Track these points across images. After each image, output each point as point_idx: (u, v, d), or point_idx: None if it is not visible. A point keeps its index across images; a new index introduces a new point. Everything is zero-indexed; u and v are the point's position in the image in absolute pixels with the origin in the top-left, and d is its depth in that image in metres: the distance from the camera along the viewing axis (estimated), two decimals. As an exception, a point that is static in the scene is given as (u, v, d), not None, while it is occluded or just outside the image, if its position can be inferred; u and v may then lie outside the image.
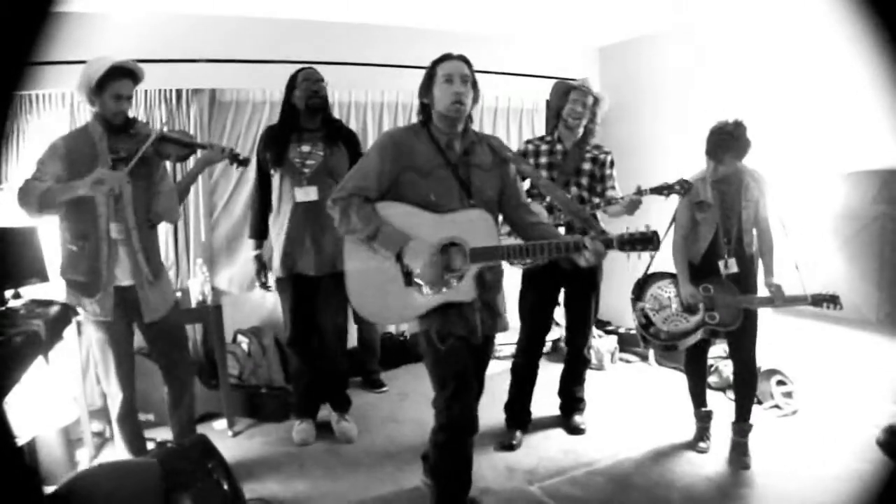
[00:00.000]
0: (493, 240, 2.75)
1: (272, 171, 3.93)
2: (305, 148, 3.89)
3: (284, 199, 3.92)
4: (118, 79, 3.07)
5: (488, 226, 2.76)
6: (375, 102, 5.54)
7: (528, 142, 4.16)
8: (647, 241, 2.64)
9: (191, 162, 4.02)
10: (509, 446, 4.04)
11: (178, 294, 4.08)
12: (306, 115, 3.91)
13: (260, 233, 4.14)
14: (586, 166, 3.95)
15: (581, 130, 3.96)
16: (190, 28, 4.73)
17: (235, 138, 5.01)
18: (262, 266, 4.19)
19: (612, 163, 3.99)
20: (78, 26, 4.12)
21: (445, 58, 2.82)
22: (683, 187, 3.55)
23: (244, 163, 3.71)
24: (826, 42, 4.09)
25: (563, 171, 3.94)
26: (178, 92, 4.84)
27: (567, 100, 3.93)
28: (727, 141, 3.51)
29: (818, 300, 3.48)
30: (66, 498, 1.35)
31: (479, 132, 3.00)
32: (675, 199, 3.74)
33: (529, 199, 3.87)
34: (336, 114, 5.28)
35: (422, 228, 2.72)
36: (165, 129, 3.55)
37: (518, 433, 4.14)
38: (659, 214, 3.71)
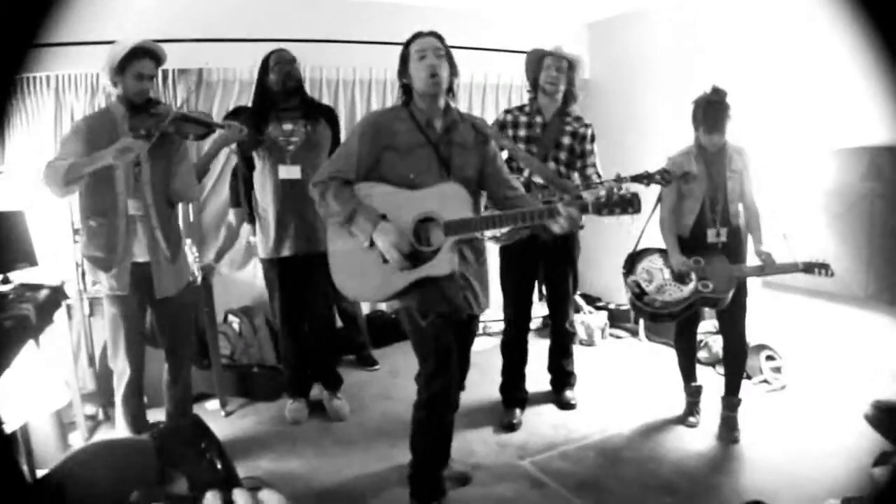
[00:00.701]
0: (468, 212, 2.75)
1: (253, 153, 3.93)
2: (287, 126, 3.90)
3: (268, 178, 3.92)
4: (140, 59, 3.12)
5: (461, 198, 2.75)
6: (363, 80, 5.51)
7: (506, 111, 4.09)
8: (627, 203, 2.42)
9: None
10: (510, 426, 4.03)
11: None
12: (282, 96, 3.89)
13: (237, 202, 4.27)
14: (566, 140, 3.92)
15: (560, 97, 3.91)
16: (176, 8, 4.69)
17: (223, 118, 4.97)
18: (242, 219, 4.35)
19: (592, 137, 3.96)
20: (63, 8, 4.08)
21: (417, 36, 2.86)
22: (664, 177, 3.56)
23: (260, 143, 3.73)
24: (816, 18, 4.08)
25: (541, 145, 3.90)
26: (164, 72, 4.80)
27: (542, 66, 3.89)
28: (720, 108, 3.55)
29: (810, 267, 3.50)
30: (57, 481, 1.34)
31: (465, 113, 3.04)
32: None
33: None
34: (322, 92, 5.27)
35: (400, 207, 2.76)
36: (184, 108, 3.56)
37: (517, 411, 4.15)
38: (644, 190, 3.72)
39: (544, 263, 4.17)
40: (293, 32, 4.77)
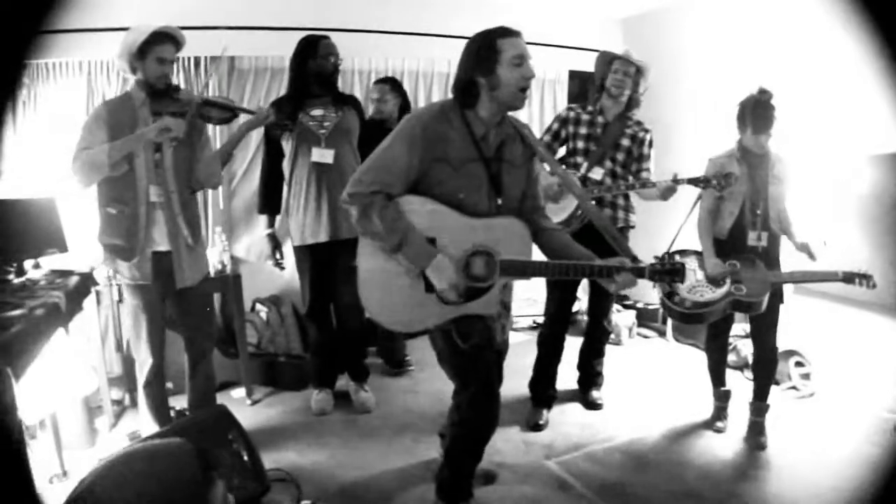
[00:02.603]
0: (527, 253, 2.58)
1: (284, 140, 3.93)
2: (318, 112, 3.89)
3: (299, 164, 3.91)
4: (161, 43, 3.10)
5: (524, 238, 2.59)
6: (395, 70, 5.47)
7: (569, 108, 4.11)
8: (675, 273, 2.50)
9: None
10: (536, 426, 4.01)
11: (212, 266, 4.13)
12: (318, 84, 3.89)
13: (272, 208, 4.14)
14: (625, 142, 3.92)
15: (624, 100, 3.91)
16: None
17: (254, 106, 4.97)
18: (277, 244, 4.20)
19: (650, 142, 3.95)
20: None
21: (510, 33, 2.47)
22: (720, 183, 3.51)
23: (285, 128, 3.71)
24: (853, 21, 3.99)
25: (600, 144, 3.91)
26: (196, 59, 4.81)
27: (610, 69, 3.89)
28: (767, 109, 3.51)
29: (850, 277, 3.42)
30: (95, 490, 1.33)
31: (515, 119, 2.70)
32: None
33: (563, 167, 3.91)
34: (356, 82, 5.25)
35: (450, 232, 2.51)
36: (206, 94, 3.55)
37: (545, 412, 4.13)
38: (686, 190, 3.69)
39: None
40: (324, 21, 4.76)
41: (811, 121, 4.39)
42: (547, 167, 3.16)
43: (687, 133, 5.20)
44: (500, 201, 2.61)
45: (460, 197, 2.52)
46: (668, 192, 3.66)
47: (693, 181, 3.58)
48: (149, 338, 3.31)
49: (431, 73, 5.51)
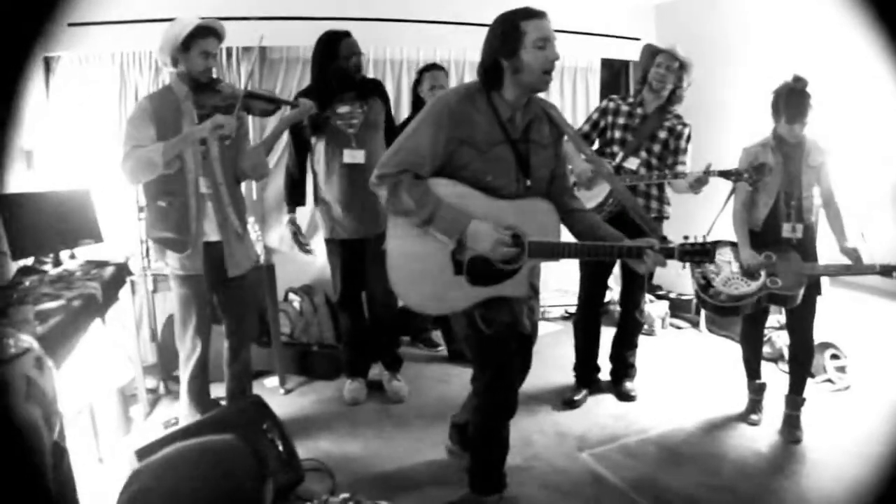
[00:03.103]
0: (556, 234, 2.57)
1: (313, 138, 3.93)
2: (344, 109, 3.88)
3: (331, 164, 3.91)
4: (204, 37, 3.10)
5: (553, 221, 2.58)
6: (427, 59, 5.43)
7: (610, 98, 4.11)
8: (705, 254, 2.48)
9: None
10: (571, 402, 4.13)
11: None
12: (343, 83, 3.87)
13: (296, 200, 4.17)
14: (662, 134, 3.91)
15: (666, 94, 3.89)
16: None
17: (287, 96, 4.97)
18: (298, 230, 4.22)
19: (688, 136, 3.93)
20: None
21: (534, 14, 2.42)
22: (752, 176, 3.48)
23: (326, 121, 3.71)
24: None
25: (637, 135, 3.91)
26: (228, 50, 4.82)
27: (653, 62, 3.88)
28: (802, 97, 3.45)
29: (888, 270, 3.36)
30: (150, 485, 1.33)
31: (542, 100, 2.68)
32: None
33: (595, 151, 3.93)
34: (384, 71, 5.24)
35: (479, 213, 2.49)
36: (250, 85, 3.55)
37: (584, 391, 4.23)
38: (721, 181, 3.64)
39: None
40: (356, 11, 4.75)
41: (847, 108, 4.30)
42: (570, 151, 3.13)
43: (723, 122, 5.11)
44: (528, 182, 2.60)
45: (488, 179, 2.52)
46: (698, 185, 3.63)
47: (724, 174, 3.55)
48: (197, 328, 3.36)
49: (463, 62, 5.47)
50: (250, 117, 4.11)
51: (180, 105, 3.17)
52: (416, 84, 4.47)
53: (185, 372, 3.45)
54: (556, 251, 2.56)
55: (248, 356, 3.67)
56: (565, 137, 2.78)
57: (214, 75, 3.29)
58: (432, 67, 4.52)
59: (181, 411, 3.55)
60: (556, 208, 2.63)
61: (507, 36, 2.43)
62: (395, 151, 2.52)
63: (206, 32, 3.11)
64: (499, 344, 2.68)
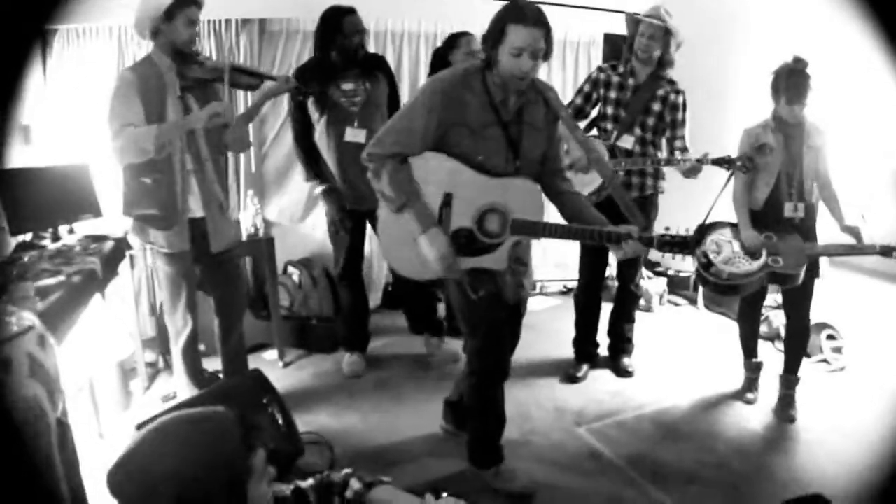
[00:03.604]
0: (539, 214, 2.62)
1: (312, 107, 3.88)
2: (348, 86, 3.84)
3: (332, 141, 3.88)
4: (187, 5, 3.00)
5: (535, 199, 2.63)
6: (429, 33, 5.39)
7: (600, 69, 4.05)
8: (684, 246, 2.52)
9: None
10: (573, 378, 4.18)
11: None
12: (345, 60, 3.82)
13: (316, 173, 4.06)
14: (655, 106, 3.86)
15: (655, 60, 3.84)
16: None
17: (286, 70, 4.92)
18: (338, 199, 4.04)
19: (684, 105, 3.86)
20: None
21: (519, 19, 2.40)
22: (746, 164, 3.47)
23: (306, 96, 3.65)
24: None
25: (629, 110, 3.87)
26: (227, 22, 4.77)
27: (637, 31, 3.82)
28: (801, 77, 3.43)
29: (888, 251, 3.35)
30: (138, 461, 1.34)
31: (539, 82, 2.69)
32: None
33: (593, 134, 3.97)
34: (388, 44, 5.19)
35: (467, 188, 2.59)
36: (231, 59, 3.50)
37: (585, 366, 4.27)
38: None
39: (622, 222, 4.10)
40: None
41: (848, 92, 4.28)
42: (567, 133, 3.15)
43: (726, 102, 5.10)
44: (518, 163, 2.66)
45: (479, 159, 2.59)
46: (691, 172, 3.65)
47: (717, 162, 3.54)
48: (187, 305, 3.34)
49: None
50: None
51: (163, 77, 3.06)
52: (447, 50, 4.16)
53: (176, 347, 3.43)
54: (537, 230, 2.63)
55: (239, 333, 3.63)
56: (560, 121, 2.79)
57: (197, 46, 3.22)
58: (461, 34, 4.22)
59: (177, 386, 3.56)
60: (543, 189, 2.72)
61: (493, 30, 2.47)
62: (387, 132, 2.61)
63: (189, 1, 3.01)
64: (488, 308, 2.77)
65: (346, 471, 1.82)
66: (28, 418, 1.51)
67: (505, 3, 2.51)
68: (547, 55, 2.50)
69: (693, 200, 3.70)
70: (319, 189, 4.05)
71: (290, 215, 5.19)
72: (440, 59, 3.98)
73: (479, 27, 2.88)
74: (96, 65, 4.51)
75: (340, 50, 3.77)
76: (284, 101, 4.90)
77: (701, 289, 5.56)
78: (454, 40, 4.11)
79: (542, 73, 5.64)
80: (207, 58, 3.29)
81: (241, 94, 4.71)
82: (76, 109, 4.38)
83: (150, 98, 3.01)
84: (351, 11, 3.79)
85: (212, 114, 3.02)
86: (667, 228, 2.58)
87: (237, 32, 4.79)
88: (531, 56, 2.43)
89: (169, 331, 3.46)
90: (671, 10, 3.86)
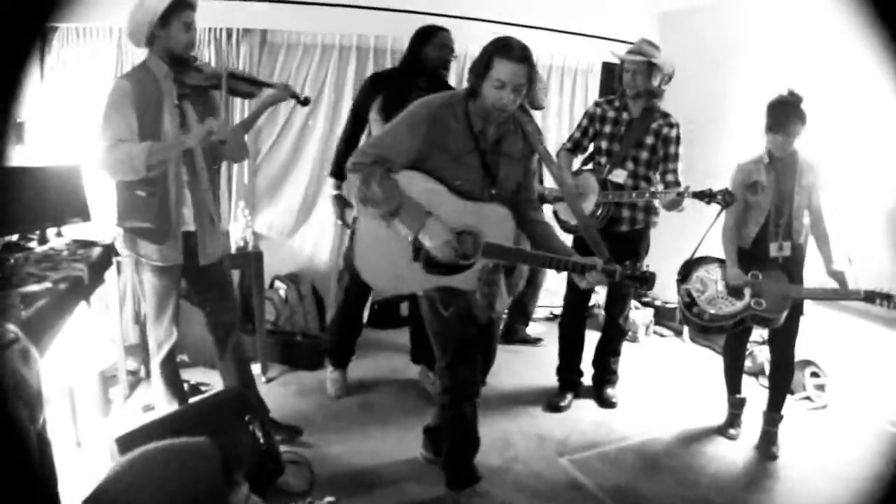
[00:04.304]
0: (509, 239, 2.73)
1: (373, 113, 3.88)
2: (419, 97, 3.84)
3: None
4: (183, 9, 2.93)
5: (509, 226, 2.73)
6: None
7: (597, 104, 4.12)
8: (644, 282, 2.66)
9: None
10: (556, 407, 4.16)
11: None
12: (426, 75, 3.87)
13: (341, 173, 3.94)
14: (648, 140, 3.89)
15: (644, 94, 3.87)
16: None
17: (285, 82, 4.92)
18: (346, 204, 4.03)
19: (677, 138, 3.88)
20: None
21: (505, 54, 2.51)
22: (726, 199, 3.47)
23: (305, 103, 3.54)
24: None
25: (623, 144, 3.91)
26: (229, 31, 4.76)
27: (623, 68, 3.89)
28: (793, 110, 3.44)
29: (871, 296, 3.36)
30: (115, 492, 1.32)
31: (520, 114, 2.81)
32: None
33: (589, 169, 4.03)
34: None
35: (443, 209, 2.64)
36: (231, 66, 3.43)
37: (569, 395, 4.26)
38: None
39: (612, 256, 4.11)
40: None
41: (847, 125, 4.31)
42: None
43: (724, 131, 5.12)
44: (494, 191, 2.76)
45: (457, 183, 2.68)
46: (672, 206, 3.65)
47: (698, 195, 3.54)
48: (172, 318, 3.27)
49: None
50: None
51: (160, 84, 2.99)
52: (419, 45, 3.96)
53: (156, 359, 3.33)
54: (508, 254, 2.74)
55: (238, 345, 3.52)
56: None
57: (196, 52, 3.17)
58: (440, 28, 4.09)
59: (155, 397, 3.45)
60: (515, 216, 2.79)
61: (479, 62, 2.58)
62: (372, 143, 2.72)
63: (184, 4, 2.93)
64: (458, 325, 2.85)
65: (329, 499, 1.80)
66: (9, 436, 1.48)
67: (496, 37, 2.61)
68: (528, 91, 2.62)
69: (686, 233, 3.73)
70: (335, 192, 4.05)
71: (280, 229, 5.16)
72: (411, 52, 3.95)
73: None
74: (94, 64, 4.49)
75: (435, 59, 3.85)
76: (281, 114, 4.93)
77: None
78: (427, 35, 3.98)
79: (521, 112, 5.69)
80: (206, 64, 3.22)
81: (237, 102, 4.70)
82: (72, 109, 4.34)
83: (145, 107, 2.94)
84: (444, 29, 3.91)
85: (207, 132, 2.94)
86: (629, 262, 2.69)
87: (238, 42, 4.78)
88: (513, 90, 2.54)
89: (150, 343, 3.37)
90: (668, 48, 3.90)
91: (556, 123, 5.88)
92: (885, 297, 3.34)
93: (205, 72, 3.11)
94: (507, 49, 2.52)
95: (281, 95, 3.33)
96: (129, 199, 3.06)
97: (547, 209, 3.77)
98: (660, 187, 3.87)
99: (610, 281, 2.67)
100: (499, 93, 2.53)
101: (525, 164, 2.86)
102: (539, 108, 4.26)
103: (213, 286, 3.39)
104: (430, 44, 3.85)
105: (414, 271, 2.72)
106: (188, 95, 3.08)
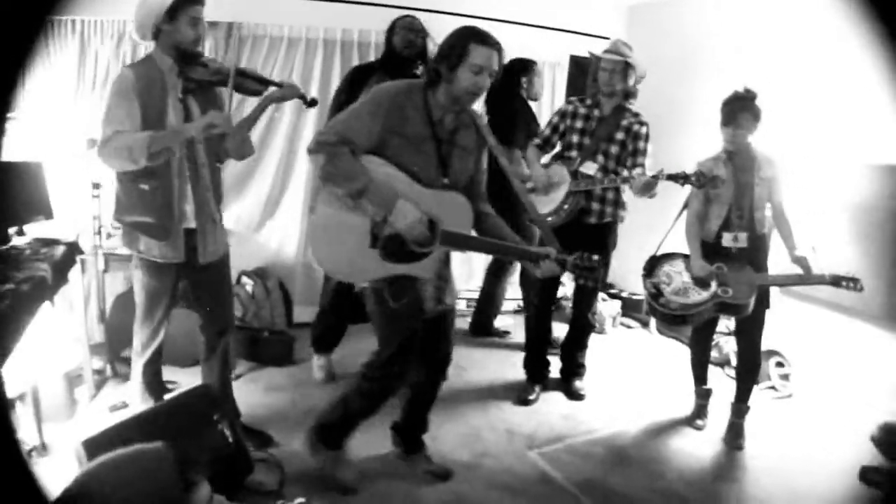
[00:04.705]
0: (467, 228, 2.80)
1: None
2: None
3: None
4: (190, 4, 2.87)
5: (466, 213, 2.78)
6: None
7: (568, 101, 4.19)
8: (591, 270, 2.72)
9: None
10: (525, 400, 4.20)
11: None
12: (406, 62, 3.92)
13: None
14: (619, 135, 3.94)
15: (619, 93, 3.93)
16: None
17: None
18: None
19: (646, 136, 3.95)
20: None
21: (481, 40, 2.60)
22: (699, 179, 3.51)
23: (313, 104, 3.46)
24: (863, 33, 3.96)
25: (594, 138, 3.97)
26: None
27: (599, 67, 3.94)
28: (745, 105, 3.52)
29: (838, 280, 3.43)
30: (77, 496, 1.31)
31: (472, 111, 2.88)
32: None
33: (560, 161, 4.07)
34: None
35: (402, 195, 2.65)
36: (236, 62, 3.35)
37: (537, 388, 4.30)
38: (676, 192, 3.71)
39: (581, 248, 4.13)
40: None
41: (811, 123, 4.39)
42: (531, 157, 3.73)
43: (689, 125, 5.16)
44: (445, 180, 2.78)
45: (415, 170, 2.71)
46: (646, 189, 3.65)
47: (672, 177, 3.58)
48: (162, 318, 3.21)
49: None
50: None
51: (164, 78, 2.94)
52: (390, 34, 4.08)
53: (140, 357, 3.28)
54: (465, 243, 2.82)
55: (227, 349, 3.46)
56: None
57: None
58: (407, 16, 4.17)
59: (132, 396, 3.41)
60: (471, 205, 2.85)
61: (454, 49, 2.61)
62: (333, 123, 2.69)
63: (192, 0, 2.88)
64: (403, 318, 2.85)
65: (300, 500, 1.80)
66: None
67: (458, 28, 2.69)
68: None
69: (652, 228, 3.76)
70: None
71: (246, 223, 5.11)
72: (385, 44, 4.04)
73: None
74: (58, 59, 4.40)
75: (398, 44, 3.95)
76: (248, 107, 4.85)
77: (654, 314, 5.62)
78: (392, 23, 4.06)
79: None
80: (212, 59, 3.15)
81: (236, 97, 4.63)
82: (33, 104, 4.23)
83: (150, 100, 2.89)
84: (409, 15, 4.03)
85: (207, 124, 2.88)
86: (581, 252, 2.74)
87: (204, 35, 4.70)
88: (488, 75, 2.62)
89: (134, 341, 3.29)
90: (634, 42, 3.94)
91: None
92: (851, 280, 3.41)
93: (211, 67, 3.06)
94: (482, 35, 2.61)
95: (287, 94, 3.27)
96: (131, 193, 2.99)
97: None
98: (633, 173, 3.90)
99: (561, 269, 2.74)
100: (475, 78, 2.60)
101: (477, 156, 2.91)
102: (536, 99, 4.70)
103: (211, 285, 3.32)
104: (394, 31, 3.92)
105: (370, 259, 2.72)
106: (193, 90, 3.03)
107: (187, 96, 3.01)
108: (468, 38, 2.60)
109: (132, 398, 3.40)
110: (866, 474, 3.39)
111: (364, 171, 2.59)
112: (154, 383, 3.37)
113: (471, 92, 2.64)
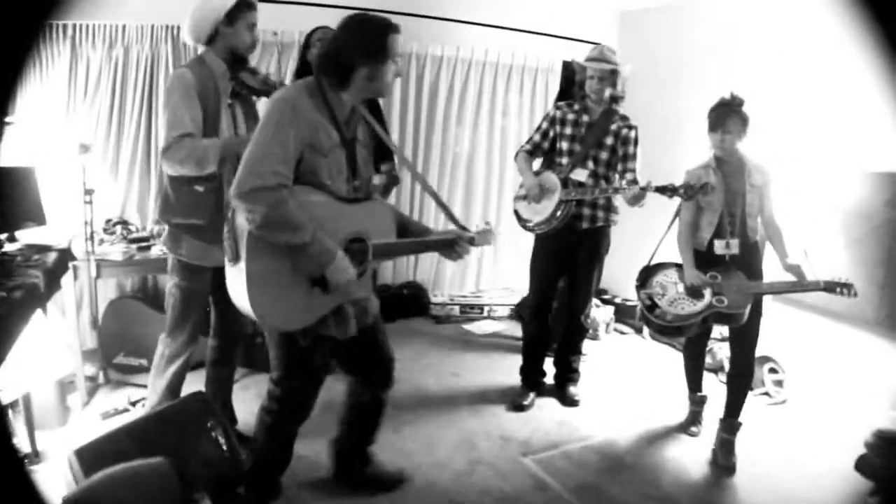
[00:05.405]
0: (392, 233, 2.68)
1: None
2: None
3: None
4: (249, 9, 2.91)
5: (389, 219, 2.69)
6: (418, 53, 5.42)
7: (556, 106, 4.17)
8: (489, 233, 2.86)
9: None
10: (519, 406, 4.19)
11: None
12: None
13: None
14: (608, 140, 3.95)
15: (607, 98, 3.93)
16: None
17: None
18: None
19: (636, 140, 3.95)
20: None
21: (395, 29, 2.47)
22: (687, 192, 3.50)
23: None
24: (858, 40, 3.98)
25: (584, 144, 3.97)
26: (172, 28, 4.65)
27: (586, 73, 3.95)
28: (731, 110, 3.52)
29: (831, 286, 3.41)
30: None
31: (359, 106, 2.64)
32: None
33: (550, 168, 4.05)
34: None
35: (330, 220, 2.44)
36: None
37: (532, 395, 4.29)
38: (665, 201, 3.69)
39: (574, 256, 4.17)
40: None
41: (805, 129, 4.40)
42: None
43: (680, 133, 5.18)
44: (356, 183, 2.63)
45: (327, 183, 2.48)
46: (635, 200, 3.66)
47: (660, 189, 3.57)
48: (198, 322, 3.18)
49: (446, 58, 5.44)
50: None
51: (217, 82, 2.93)
52: (306, 49, 3.97)
53: (169, 367, 3.20)
54: (391, 251, 2.80)
55: (235, 357, 3.49)
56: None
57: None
58: (321, 27, 4.01)
59: (149, 401, 3.30)
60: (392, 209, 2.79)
61: (375, 43, 2.42)
62: (260, 159, 2.27)
63: (250, 5, 2.91)
64: (313, 353, 2.68)
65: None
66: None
67: (361, 22, 2.48)
68: None
69: (646, 233, 3.76)
70: None
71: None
72: (302, 58, 3.96)
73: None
74: (49, 64, 4.38)
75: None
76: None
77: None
78: (310, 38, 3.96)
79: (500, 98, 5.72)
80: (257, 68, 3.18)
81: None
82: (25, 109, 4.21)
83: (207, 103, 2.89)
84: (323, 27, 3.84)
85: None
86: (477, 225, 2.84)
87: (164, 39, 4.67)
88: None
89: (163, 350, 3.21)
90: (626, 48, 3.95)
91: (515, 124, 5.90)
92: (845, 286, 3.39)
93: (259, 75, 3.09)
94: (393, 24, 2.48)
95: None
96: (186, 195, 2.96)
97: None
98: (623, 184, 3.91)
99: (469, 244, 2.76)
100: (396, 67, 2.52)
101: (370, 148, 2.79)
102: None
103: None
104: (310, 45, 3.85)
105: (317, 297, 2.50)
106: (237, 96, 3.05)
107: (234, 102, 3.03)
108: (387, 31, 2.44)
109: (149, 396, 3.29)
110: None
111: (308, 220, 2.32)
112: (178, 392, 3.30)
113: (390, 83, 2.55)
